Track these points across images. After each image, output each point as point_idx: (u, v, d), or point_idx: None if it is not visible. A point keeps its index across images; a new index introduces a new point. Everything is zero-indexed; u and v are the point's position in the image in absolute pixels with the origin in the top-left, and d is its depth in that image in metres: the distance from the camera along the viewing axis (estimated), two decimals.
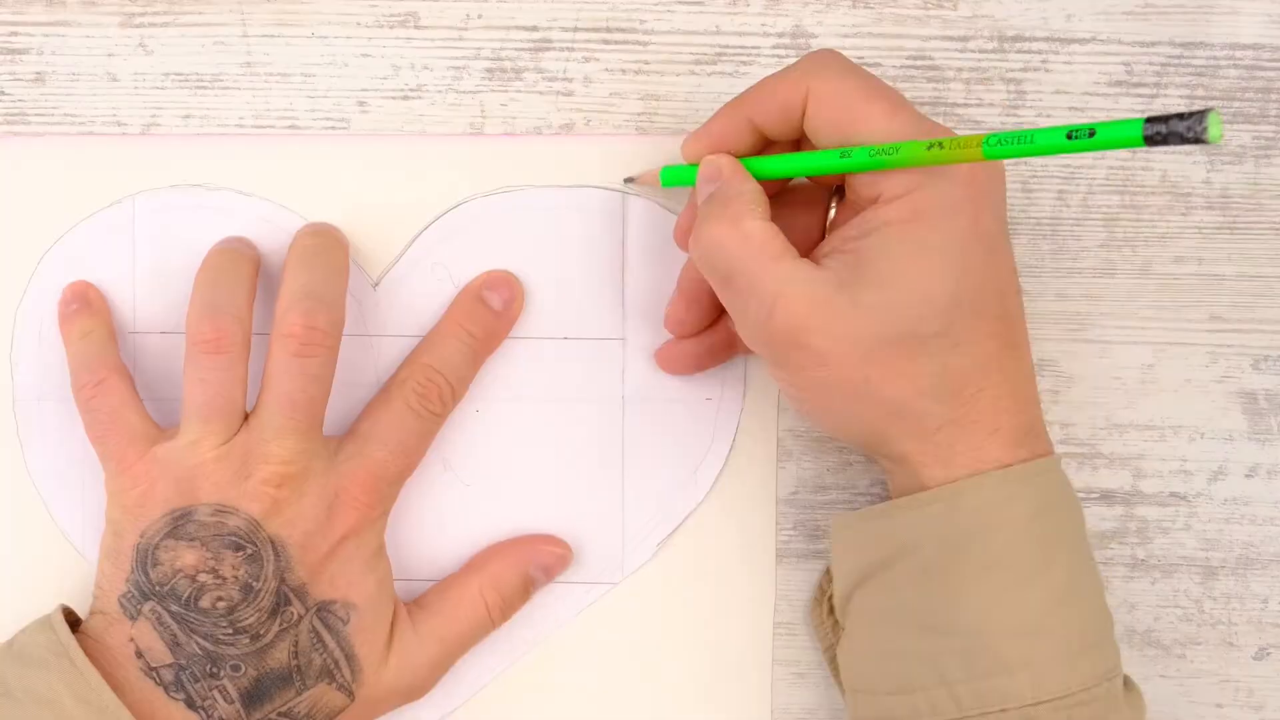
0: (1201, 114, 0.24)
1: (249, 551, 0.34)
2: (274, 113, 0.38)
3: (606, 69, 0.38)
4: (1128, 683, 0.33)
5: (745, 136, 0.34)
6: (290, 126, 0.39)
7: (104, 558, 0.36)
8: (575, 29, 0.38)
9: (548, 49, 0.38)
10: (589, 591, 0.39)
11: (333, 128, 0.38)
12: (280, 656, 0.35)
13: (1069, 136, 0.27)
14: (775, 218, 0.33)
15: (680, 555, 0.39)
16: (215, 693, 0.34)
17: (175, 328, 0.38)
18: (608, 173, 0.38)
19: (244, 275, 0.37)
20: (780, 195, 0.35)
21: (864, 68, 0.33)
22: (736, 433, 0.38)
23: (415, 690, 0.37)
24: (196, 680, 0.34)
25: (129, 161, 0.38)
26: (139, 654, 0.34)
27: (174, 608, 0.34)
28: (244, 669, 0.34)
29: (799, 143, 0.34)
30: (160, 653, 0.34)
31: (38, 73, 0.39)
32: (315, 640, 0.35)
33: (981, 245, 0.32)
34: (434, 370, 0.37)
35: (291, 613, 0.35)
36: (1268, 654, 0.39)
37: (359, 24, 0.38)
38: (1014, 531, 0.31)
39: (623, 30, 0.38)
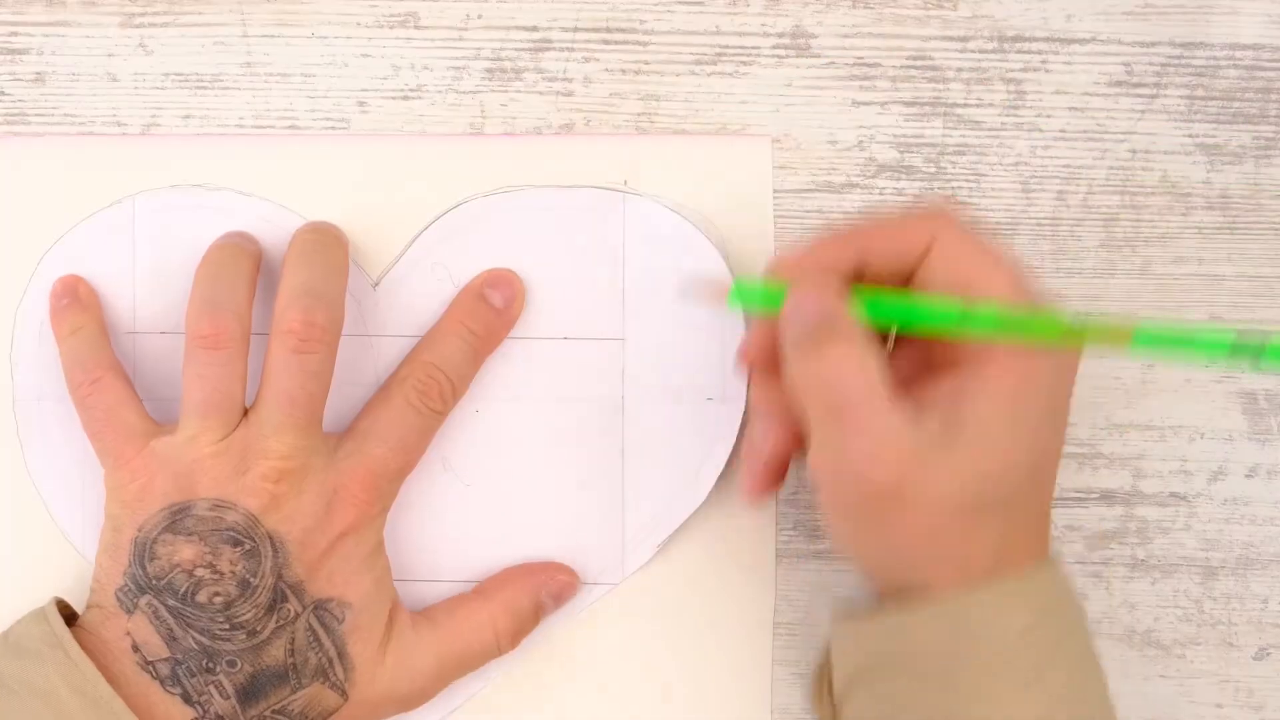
0: None
1: (247, 547, 0.34)
2: (274, 113, 0.39)
3: (606, 69, 0.38)
4: None
5: (847, 271, 0.33)
6: (290, 127, 0.39)
7: (102, 552, 0.36)
8: (575, 29, 0.38)
9: (548, 49, 0.38)
10: (590, 592, 0.38)
11: (333, 128, 0.38)
12: (276, 653, 0.35)
13: (1233, 349, 0.27)
14: None
15: (680, 556, 0.39)
16: (211, 688, 0.34)
17: (175, 328, 0.38)
18: (608, 173, 0.38)
19: (244, 271, 0.37)
20: None
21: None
22: (737, 434, 0.38)
23: (411, 699, 0.37)
24: (193, 675, 0.34)
25: (129, 161, 0.38)
26: (135, 647, 0.34)
27: (171, 602, 0.34)
28: (240, 665, 0.34)
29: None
30: (157, 646, 0.34)
31: (38, 73, 0.39)
32: (311, 638, 0.35)
33: (1058, 419, 0.32)
34: (435, 368, 0.37)
35: (289, 609, 0.35)
36: (1268, 654, 0.39)
37: (359, 24, 0.38)
38: (1013, 639, 0.31)
39: (622, 30, 0.38)
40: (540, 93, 0.38)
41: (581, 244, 0.38)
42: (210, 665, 0.34)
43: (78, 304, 0.38)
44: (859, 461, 0.31)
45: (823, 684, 0.36)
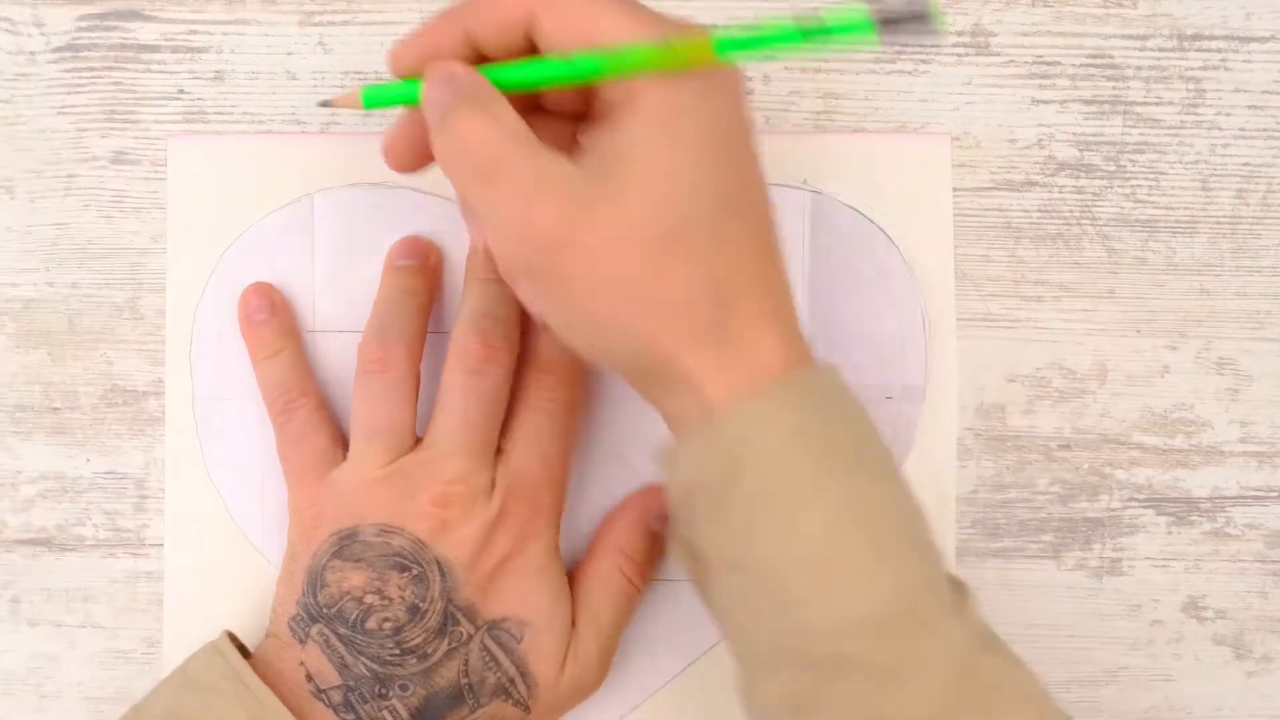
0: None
1: (414, 572, 0.34)
2: None
3: (785, 67, 0.38)
4: (957, 586, 0.31)
5: (460, 50, 0.31)
6: None
7: (280, 580, 0.36)
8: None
9: None
10: None
11: None
12: (450, 675, 0.34)
13: (802, 33, 0.25)
14: None
15: None
16: (385, 713, 0.34)
17: (353, 326, 0.38)
18: (788, 171, 0.38)
19: (417, 299, 0.37)
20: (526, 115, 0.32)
21: None
22: (916, 431, 0.38)
23: (589, 688, 0.37)
24: (365, 701, 0.34)
25: (308, 160, 0.38)
26: (309, 676, 0.34)
27: (342, 630, 0.34)
28: (412, 689, 0.34)
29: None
30: (329, 674, 0.34)
31: (217, 71, 0.38)
32: (488, 659, 0.35)
33: (732, 141, 0.30)
34: (541, 361, 0.36)
35: (460, 632, 0.34)
36: None
37: None
38: (775, 457, 0.29)
39: None
40: None
41: None
42: (383, 691, 0.34)
43: (276, 323, 0.37)
44: (518, 213, 0.29)
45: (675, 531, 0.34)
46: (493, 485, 0.35)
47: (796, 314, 0.31)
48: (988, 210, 0.38)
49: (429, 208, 0.38)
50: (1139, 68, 0.38)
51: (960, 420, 0.38)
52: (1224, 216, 0.38)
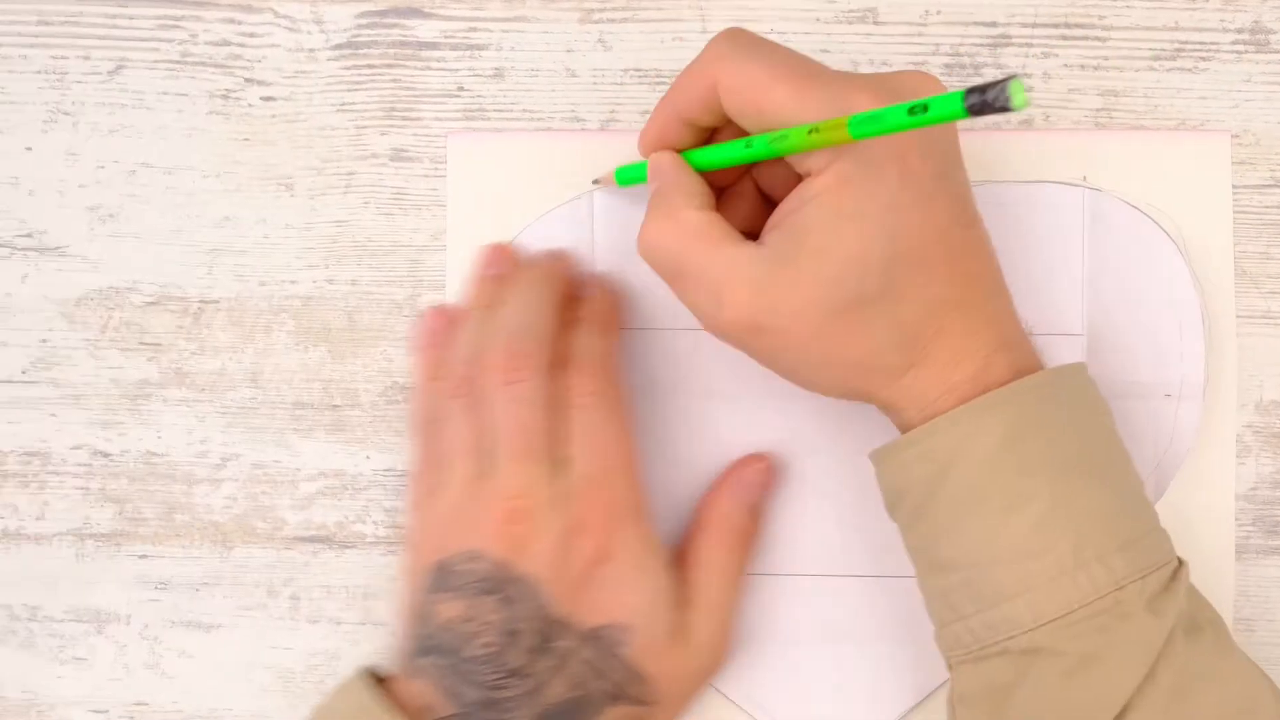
0: (1003, 83, 0.25)
1: (502, 595, 0.33)
2: None
3: (1065, 65, 0.38)
4: (1174, 571, 0.32)
5: (682, 130, 0.34)
6: None
7: (400, 617, 0.35)
8: (1034, 25, 0.38)
9: (1007, 45, 0.38)
10: None
11: None
12: (559, 690, 0.34)
13: (909, 113, 0.28)
14: (734, 205, 0.35)
15: None
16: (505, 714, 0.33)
17: (633, 322, 0.38)
18: (1066, 168, 0.38)
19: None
20: (737, 183, 0.36)
21: (771, 41, 0.33)
22: (1195, 428, 0.38)
23: (711, 669, 0.37)
24: None
25: (587, 157, 0.38)
26: (428, 708, 0.34)
27: (447, 660, 0.34)
28: (523, 709, 0.33)
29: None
30: (442, 705, 0.33)
31: (497, 68, 0.38)
32: (594, 670, 0.34)
33: (911, 194, 0.31)
34: (568, 360, 0.35)
35: (561, 647, 0.34)
36: None
37: (818, 19, 0.38)
38: (983, 462, 0.31)
39: (1081, 26, 0.38)
40: None
41: (1041, 239, 0.38)
42: (497, 716, 0.33)
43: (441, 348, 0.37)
44: (709, 306, 0.32)
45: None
46: (560, 490, 0.34)
47: (1015, 321, 0.33)
48: (1268, 207, 0.38)
49: None
50: None
51: (1239, 417, 0.38)
52: None
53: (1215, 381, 0.38)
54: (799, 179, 0.32)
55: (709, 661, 0.36)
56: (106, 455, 0.39)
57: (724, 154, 0.33)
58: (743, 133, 0.33)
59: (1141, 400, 0.38)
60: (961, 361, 0.32)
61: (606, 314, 0.37)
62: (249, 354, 0.39)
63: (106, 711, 0.38)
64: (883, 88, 0.31)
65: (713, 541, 0.37)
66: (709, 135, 0.34)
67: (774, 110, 0.31)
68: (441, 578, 0.34)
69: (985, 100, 0.26)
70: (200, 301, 0.39)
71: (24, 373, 0.39)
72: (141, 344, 0.39)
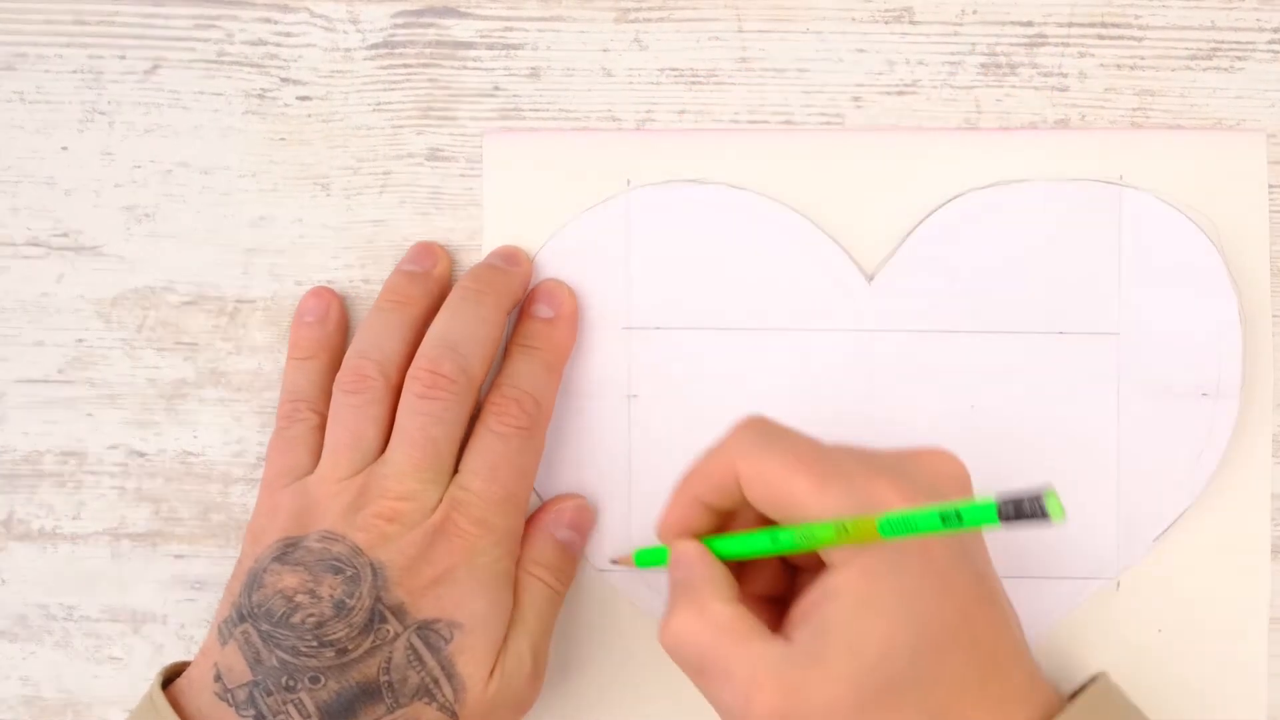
0: (1038, 497, 0.27)
1: (348, 573, 0.34)
2: (768, 108, 0.38)
3: (1101, 64, 0.38)
4: None
5: (703, 514, 0.35)
6: (785, 122, 0.39)
7: (226, 586, 0.36)
8: (1070, 24, 0.38)
9: (1043, 44, 0.38)
10: (1084, 588, 0.39)
11: (827, 123, 0.38)
12: (368, 671, 0.34)
13: (942, 520, 0.29)
14: (755, 572, 0.35)
15: (1173, 552, 0.38)
16: (290, 706, 0.34)
17: (669, 323, 0.38)
18: (1102, 167, 0.38)
19: (409, 311, 0.37)
20: (758, 563, 0.36)
21: (791, 432, 0.33)
22: (1232, 428, 0.38)
23: (523, 700, 0.37)
24: (270, 694, 0.33)
25: (624, 156, 0.38)
26: (218, 677, 0.34)
27: (264, 626, 0.34)
28: (324, 681, 0.34)
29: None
30: (240, 672, 0.34)
31: (533, 68, 0.39)
32: (412, 658, 0.35)
33: (933, 580, 0.32)
34: (506, 388, 0.37)
35: (387, 630, 0.35)
36: None
37: (854, 19, 0.38)
38: None
39: (1117, 25, 0.38)
40: (1036, 88, 0.38)
41: (1077, 238, 0.38)
42: (290, 683, 0.34)
43: (320, 330, 0.38)
44: (737, 703, 0.32)
45: None
46: (441, 499, 0.35)
47: (1044, 687, 0.34)
48: None
49: (746, 205, 0.38)
50: None
51: (1276, 417, 0.38)
52: None
53: (1251, 381, 0.38)
54: (818, 558, 0.33)
55: (519, 689, 0.36)
56: (143, 455, 0.39)
57: (750, 546, 0.34)
58: (763, 516, 0.33)
59: (1178, 400, 0.38)
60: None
61: (559, 348, 0.38)
62: (283, 354, 0.39)
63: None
64: (904, 477, 0.32)
65: (524, 574, 0.38)
66: (729, 516, 0.35)
67: (796, 504, 0.32)
68: (287, 551, 0.35)
69: (1020, 512, 0.26)
70: (236, 301, 0.39)
71: (60, 372, 0.39)
72: (178, 344, 0.39)
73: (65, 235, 0.39)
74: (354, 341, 0.37)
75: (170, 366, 0.39)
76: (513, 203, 0.38)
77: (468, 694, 0.35)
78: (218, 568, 0.39)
